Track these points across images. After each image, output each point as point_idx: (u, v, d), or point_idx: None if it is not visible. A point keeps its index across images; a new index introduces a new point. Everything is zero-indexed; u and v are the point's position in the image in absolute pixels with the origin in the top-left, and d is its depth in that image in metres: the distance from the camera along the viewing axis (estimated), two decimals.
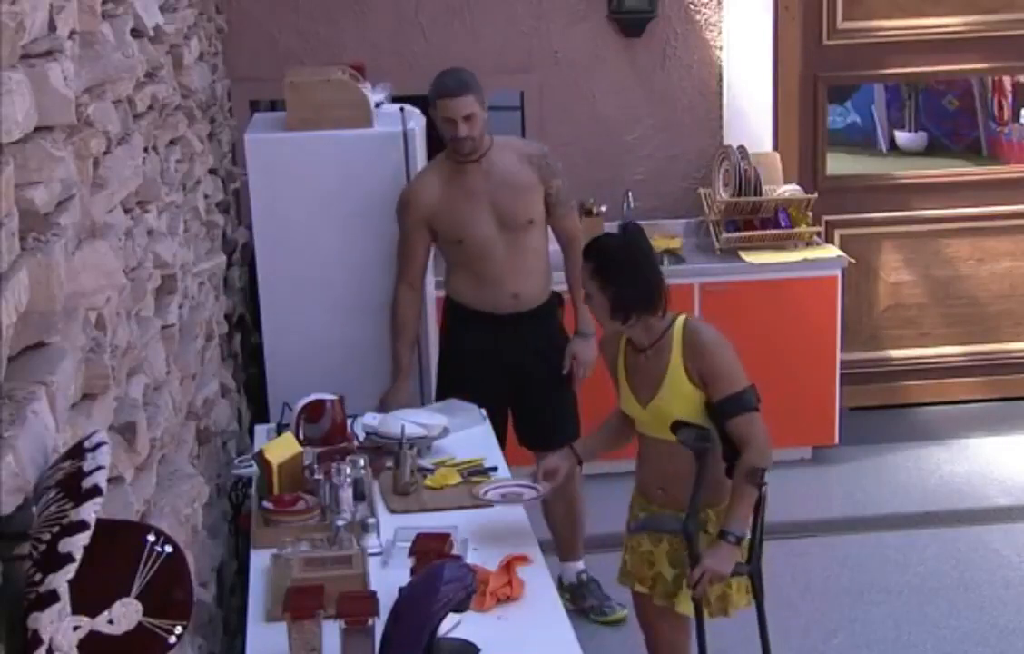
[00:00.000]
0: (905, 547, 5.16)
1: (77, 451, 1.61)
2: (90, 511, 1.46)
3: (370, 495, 3.50)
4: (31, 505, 1.51)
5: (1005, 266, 6.42)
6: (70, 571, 1.42)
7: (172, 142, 3.47)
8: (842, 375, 5.86)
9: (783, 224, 5.88)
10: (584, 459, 3.80)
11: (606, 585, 4.56)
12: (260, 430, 4.25)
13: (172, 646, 1.59)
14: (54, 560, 1.42)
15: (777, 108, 6.13)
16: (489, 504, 3.46)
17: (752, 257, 5.76)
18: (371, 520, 3.32)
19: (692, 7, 6.02)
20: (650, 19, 5.96)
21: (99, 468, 1.55)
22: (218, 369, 4.11)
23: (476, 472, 3.79)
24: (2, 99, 1.56)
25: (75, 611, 1.49)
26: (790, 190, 5.97)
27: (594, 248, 3.52)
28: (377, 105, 4.72)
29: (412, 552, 3.05)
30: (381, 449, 3.83)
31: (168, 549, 1.60)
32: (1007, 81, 8.06)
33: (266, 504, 3.43)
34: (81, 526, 1.44)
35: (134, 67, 2.59)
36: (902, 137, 8.82)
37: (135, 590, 1.55)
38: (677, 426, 3.42)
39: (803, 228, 5.89)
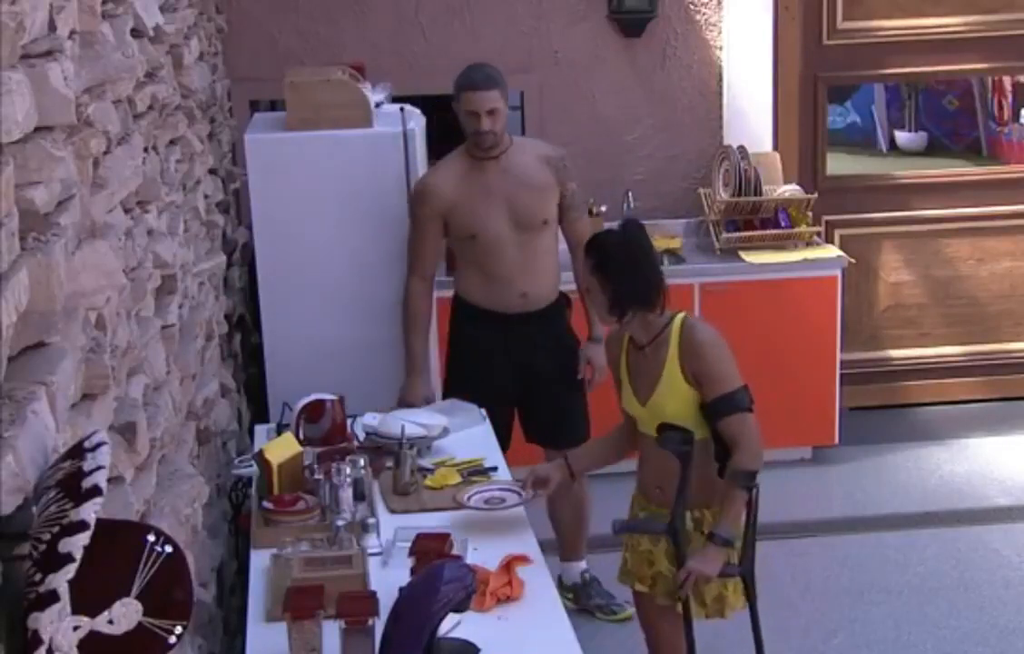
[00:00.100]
0: (905, 547, 5.16)
1: (77, 451, 1.61)
2: (90, 511, 1.46)
3: (370, 495, 3.50)
4: (31, 505, 1.51)
5: (1005, 266, 6.42)
6: (70, 571, 1.42)
7: (172, 142, 3.47)
8: (842, 375, 5.86)
9: (783, 224, 5.88)
10: (578, 472, 3.79)
11: (606, 584, 4.57)
12: (260, 430, 4.24)
13: (172, 646, 1.59)
14: (54, 560, 1.42)
15: (777, 108, 6.13)
16: (473, 510, 3.44)
17: (752, 257, 5.76)
18: (371, 520, 3.32)
19: (692, 7, 6.02)
20: (650, 19, 5.96)
21: (99, 468, 1.55)
22: (218, 369, 4.11)
23: (476, 472, 3.79)
24: (2, 99, 1.56)
25: (75, 611, 1.49)
26: (790, 190, 5.97)
27: (594, 244, 3.55)
28: (377, 105, 4.72)
29: (412, 552, 3.05)
30: (381, 449, 3.83)
31: (168, 549, 1.60)
32: (1007, 81, 8.06)
33: (266, 504, 3.43)
34: (81, 526, 1.44)
35: (134, 67, 2.59)
36: (902, 137, 8.82)
37: (135, 590, 1.55)
38: (660, 430, 3.44)
39: (803, 228, 5.89)
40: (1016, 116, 7.95)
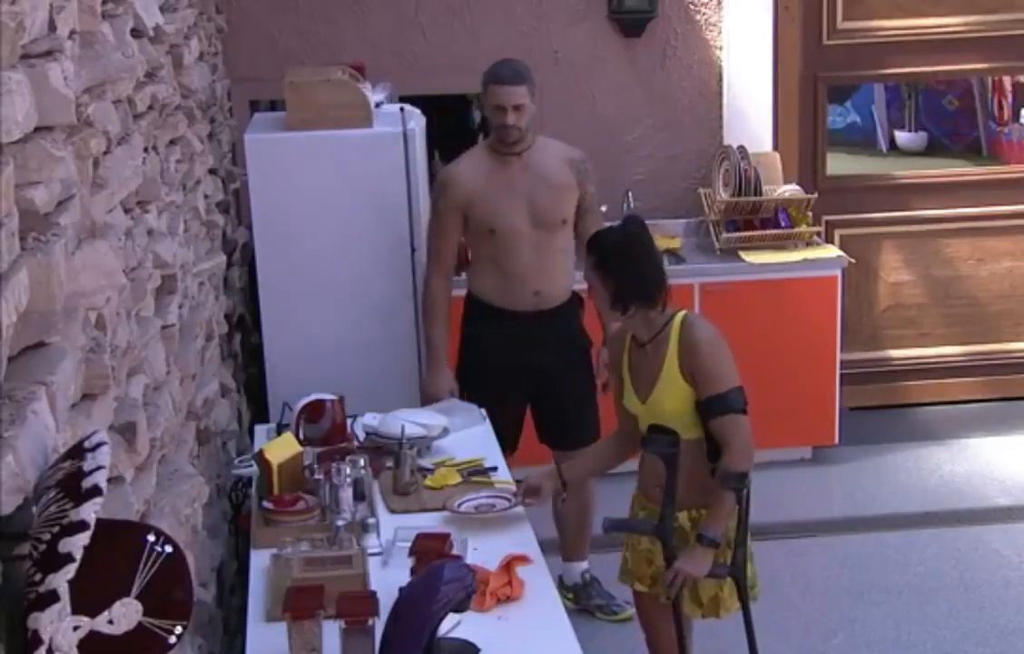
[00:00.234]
0: (905, 547, 5.16)
1: (77, 451, 1.61)
2: (90, 511, 1.46)
3: (370, 495, 3.50)
4: (31, 505, 1.51)
5: (1005, 266, 6.42)
6: (70, 571, 1.42)
7: (172, 142, 3.47)
8: (842, 375, 5.86)
9: (783, 224, 5.88)
10: (570, 481, 3.79)
11: (607, 584, 4.57)
12: (260, 430, 4.24)
13: (172, 646, 1.59)
14: (54, 560, 1.42)
15: (777, 108, 6.13)
16: (462, 517, 3.43)
17: (752, 257, 5.76)
18: (371, 520, 3.32)
19: (692, 7, 6.02)
20: (650, 19, 5.96)
21: (99, 468, 1.55)
22: (218, 369, 4.11)
23: (476, 472, 3.79)
24: (2, 99, 1.56)
25: (75, 611, 1.49)
26: (790, 190, 5.97)
27: (596, 241, 3.57)
28: (377, 105, 4.72)
29: (412, 552, 3.05)
30: (381, 449, 3.83)
31: (168, 549, 1.60)
32: (1007, 81, 8.06)
33: (266, 504, 3.43)
34: (81, 526, 1.44)
35: (134, 67, 2.59)
36: (902, 137, 8.82)
37: (135, 590, 1.55)
38: (648, 431, 3.46)
39: (803, 228, 5.89)
40: (1016, 116, 7.95)
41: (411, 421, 3.90)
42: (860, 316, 6.33)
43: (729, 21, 6.02)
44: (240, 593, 3.57)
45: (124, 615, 1.54)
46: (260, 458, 3.56)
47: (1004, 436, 6.11)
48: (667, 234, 5.88)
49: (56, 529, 1.45)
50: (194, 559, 2.68)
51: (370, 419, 4.02)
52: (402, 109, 4.67)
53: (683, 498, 3.44)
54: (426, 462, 3.83)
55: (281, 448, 3.60)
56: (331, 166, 4.58)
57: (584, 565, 4.72)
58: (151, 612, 1.56)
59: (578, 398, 4.52)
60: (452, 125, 6.42)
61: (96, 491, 1.50)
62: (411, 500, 3.59)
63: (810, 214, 5.94)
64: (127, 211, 2.56)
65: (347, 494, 3.35)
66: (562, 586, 4.58)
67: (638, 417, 3.57)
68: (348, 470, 3.39)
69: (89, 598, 1.51)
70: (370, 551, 3.14)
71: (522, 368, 4.45)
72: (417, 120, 4.79)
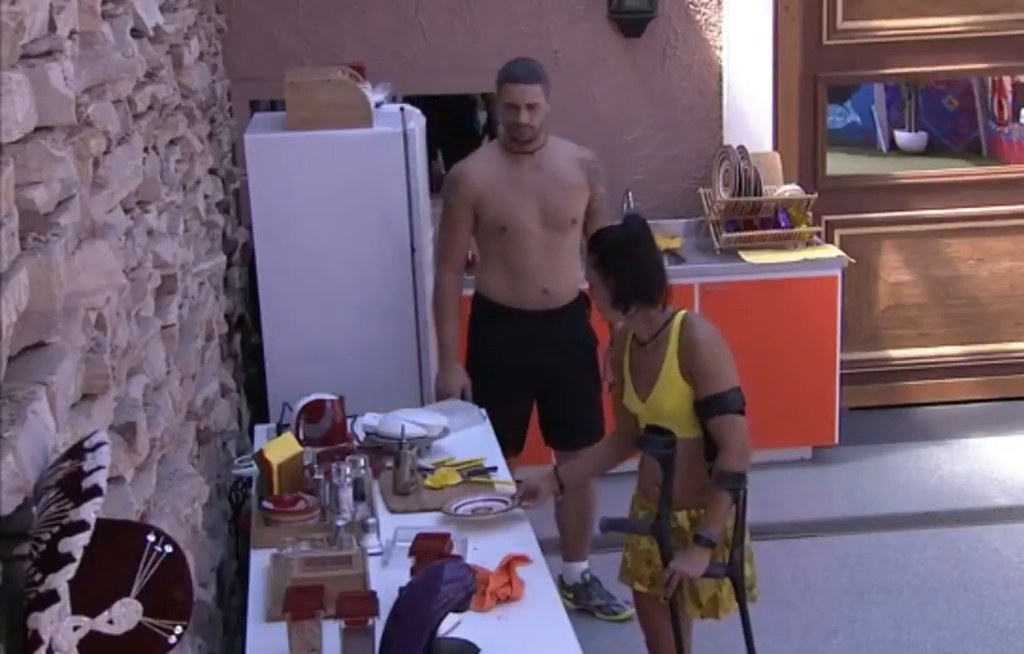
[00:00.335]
0: (905, 547, 5.16)
1: (77, 451, 1.61)
2: (90, 511, 1.46)
3: (370, 495, 3.50)
4: (31, 505, 1.51)
5: (1005, 266, 6.42)
6: (70, 571, 1.42)
7: (172, 142, 3.47)
8: (842, 375, 5.86)
9: (783, 224, 5.88)
10: (568, 484, 3.79)
11: (607, 584, 4.57)
12: (260, 430, 4.25)
13: (172, 646, 1.59)
14: (54, 560, 1.42)
15: (777, 108, 6.13)
16: (460, 520, 3.42)
17: (752, 257, 5.76)
18: (371, 520, 3.32)
19: (692, 7, 6.02)
20: (650, 19, 5.96)
21: (99, 468, 1.55)
22: (218, 369, 4.11)
23: (476, 472, 3.79)
24: (2, 99, 1.56)
25: (75, 611, 1.49)
26: (790, 190, 5.97)
27: (597, 239, 3.57)
28: (377, 105, 4.72)
29: (412, 552, 3.05)
30: (381, 449, 3.83)
31: (168, 549, 1.60)
32: (1007, 81, 8.06)
33: (266, 504, 3.43)
34: (81, 526, 1.44)
35: (134, 67, 2.59)
36: (902, 137, 8.82)
37: (135, 590, 1.55)
38: (643, 433, 3.47)
39: (803, 228, 5.89)
40: (1016, 116, 7.95)
41: (411, 421, 3.90)
42: (860, 316, 6.33)
43: (729, 21, 6.02)
44: (240, 593, 3.57)
45: (124, 615, 1.54)
46: (260, 458, 3.56)
47: (1004, 436, 6.12)
48: (667, 234, 5.88)
49: (56, 529, 1.44)
50: (194, 559, 2.68)
51: (370, 419, 4.02)
52: (402, 109, 4.67)
53: (682, 498, 3.44)
54: (426, 462, 3.83)
55: (281, 448, 3.60)
56: (331, 166, 4.57)
57: (584, 565, 4.72)
58: (151, 612, 1.56)
59: (584, 398, 4.52)
60: (455, 125, 6.43)
61: (96, 491, 1.50)
62: (411, 500, 3.59)
63: (810, 214, 5.94)
64: (127, 211, 2.56)
65: (347, 494, 3.35)
66: (562, 586, 4.58)
67: (638, 416, 3.57)
68: (348, 470, 3.39)
69: (89, 598, 1.51)
70: (370, 551, 3.14)
71: (529, 367, 4.45)
72: (417, 120, 4.79)
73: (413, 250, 4.62)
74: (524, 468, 4.30)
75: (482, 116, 6.66)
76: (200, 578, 3.02)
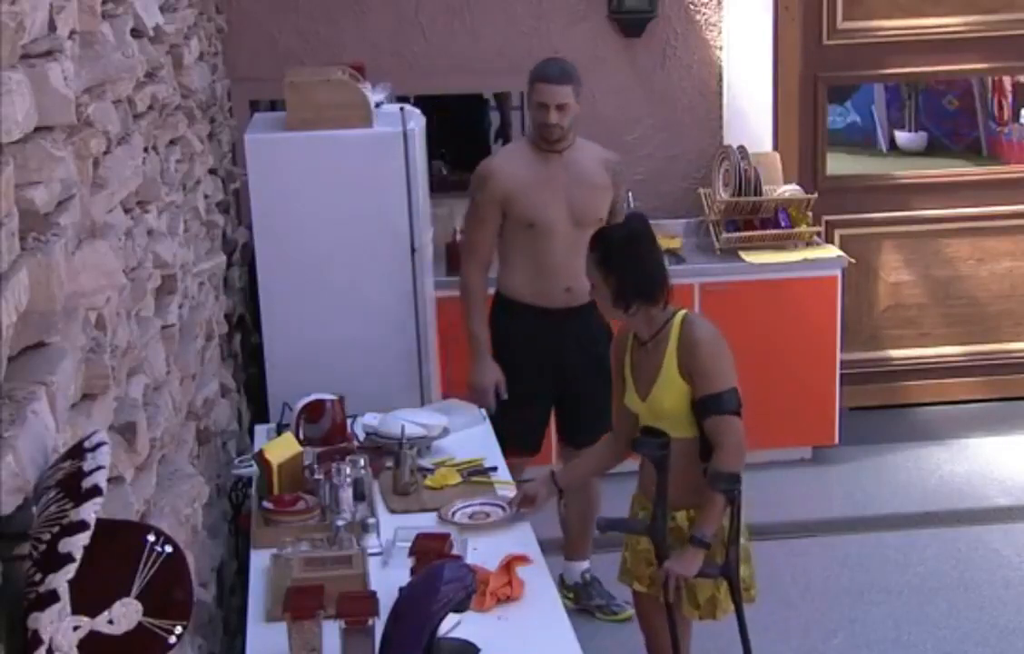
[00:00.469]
0: (905, 547, 5.16)
1: (77, 451, 1.61)
2: (90, 511, 1.46)
3: (370, 495, 3.50)
4: (31, 505, 1.51)
5: (1005, 266, 6.42)
6: (70, 571, 1.42)
7: (172, 142, 3.47)
8: (842, 375, 5.86)
9: (783, 224, 5.88)
10: (565, 488, 3.80)
11: (607, 584, 4.57)
12: (260, 430, 4.25)
13: (172, 646, 1.59)
14: (54, 560, 1.42)
15: (777, 108, 6.13)
16: (457, 526, 3.40)
17: (752, 257, 5.76)
18: (371, 520, 3.32)
19: (692, 7, 6.02)
20: (650, 19, 5.96)
21: (99, 468, 1.55)
22: (218, 369, 4.11)
23: (476, 472, 3.79)
24: (2, 99, 1.56)
25: (75, 611, 1.49)
26: (790, 190, 5.97)
27: (599, 238, 3.57)
28: (377, 105, 4.72)
29: (412, 552, 3.05)
30: (381, 449, 3.83)
31: (168, 549, 1.60)
32: (1007, 81, 8.07)
33: (266, 504, 3.43)
34: (81, 526, 1.44)
35: (134, 67, 2.59)
36: (902, 137, 8.83)
37: (135, 590, 1.55)
38: (639, 434, 3.47)
39: (803, 228, 5.89)
40: (1016, 116, 7.95)
41: (411, 421, 3.91)
42: (860, 316, 6.33)
43: (729, 21, 6.02)
44: (240, 593, 3.57)
45: (124, 615, 1.54)
46: (260, 458, 3.56)
47: (1004, 436, 6.12)
48: (667, 234, 5.88)
49: (56, 529, 1.44)
50: (194, 559, 2.68)
51: (370, 419, 4.02)
52: (402, 109, 4.67)
53: (681, 498, 3.44)
54: (426, 462, 3.83)
55: (281, 448, 3.60)
56: (331, 166, 4.57)
57: (585, 565, 4.72)
58: (151, 612, 1.56)
59: (601, 395, 4.52)
60: (457, 126, 6.42)
61: (96, 491, 1.50)
62: (411, 500, 3.60)
63: (810, 214, 5.94)
64: (127, 211, 2.56)
65: (347, 494, 3.35)
66: (562, 586, 4.59)
67: (639, 415, 3.57)
68: (348, 470, 3.39)
69: (89, 598, 1.51)
70: (370, 551, 3.14)
71: (551, 365, 4.48)
72: (417, 120, 4.78)
73: (413, 250, 4.62)
74: (532, 468, 4.31)
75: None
76: (200, 578, 3.02)
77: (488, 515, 3.49)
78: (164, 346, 2.83)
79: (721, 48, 6.06)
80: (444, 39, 5.89)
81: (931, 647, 4.47)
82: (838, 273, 5.78)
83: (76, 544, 1.42)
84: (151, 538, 1.61)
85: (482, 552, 3.18)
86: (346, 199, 4.58)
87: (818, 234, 5.99)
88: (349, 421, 4.01)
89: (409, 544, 3.11)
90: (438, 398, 4.72)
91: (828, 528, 5.35)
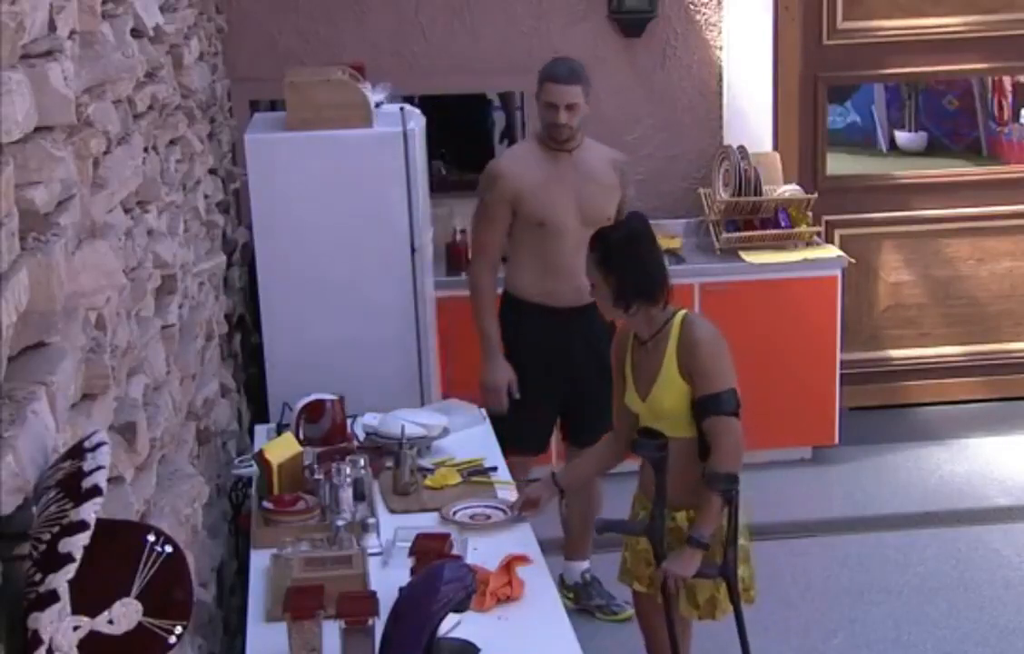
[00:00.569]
0: (905, 547, 5.16)
1: (77, 451, 1.61)
2: (90, 511, 1.46)
3: (370, 495, 3.50)
4: (31, 505, 1.51)
5: (1005, 266, 6.42)
6: (70, 571, 1.42)
7: (172, 142, 3.47)
8: (842, 375, 5.86)
9: (783, 224, 5.88)
10: (566, 489, 3.80)
11: (607, 584, 4.57)
12: (260, 430, 4.25)
13: (172, 646, 1.59)
14: (54, 560, 1.42)
15: (777, 108, 6.13)
16: (457, 526, 3.41)
17: (752, 257, 5.76)
18: (371, 520, 3.32)
19: (692, 7, 6.02)
20: (650, 19, 5.96)
21: (99, 468, 1.55)
22: (218, 369, 4.11)
23: (476, 472, 3.79)
24: (2, 99, 1.56)
25: (75, 611, 1.49)
26: (790, 190, 5.97)
27: (599, 238, 3.57)
28: (377, 105, 4.72)
29: (412, 552, 3.05)
30: (381, 449, 3.83)
31: (168, 549, 1.60)
32: (1007, 81, 8.07)
33: (266, 504, 3.43)
34: (81, 526, 1.44)
35: (134, 67, 2.59)
36: (902, 137, 8.83)
37: (135, 590, 1.55)
38: (637, 437, 3.48)
39: (803, 228, 5.89)
40: (1016, 116, 7.95)
41: (411, 421, 3.91)
42: (860, 316, 6.33)
43: (729, 21, 6.02)
44: (240, 593, 3.57)
45: (124, 615, 1.54)
46: (260, 458, 3.56)
47: (1004, 436, 6.12)
48: (667, 234, 5.88)
49: (56, 529, 1.44)
50: (194, 559, 2.68)
51: (370, 419, 4.02)
52: (402, 109, 4.67)
53: (681, 498, 3.44)
54: (426, 462, 3.83)
55: (281, 448, 3.60)
56: (331, 166, 4.57)
57: (585, 564, 4.72)
58: (151, 612, 1.56)
59: (607, 396, 4.52)
60: (457, 126, 6.42)
61: (96, 491, 1.50)
62: (411, 500, 3.60)
63: (810, 214, 5.94)
64: (127, 211, 2.56)
65: (347, 494, 3.35)
66: (563, 585, 4.59)
67: (639, 415, 3.57)
68: (348, 470, 3.39)
69: (89, 598, 1.51)
70: (370, 551, 3.14)
71: (558, 363, 4.47)
72: (417, 120, 4.79)
73: (413, 250, 4.62)
74: (538, 468, 4.31)
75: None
76: (200, 578, 3.02)
77: (489, 516, 3.49)
78: (164, 346, 2.83)
79: (721, 48, 6.06)
80: (444, 39, 5.89)
81: (931, 647, 4.47)
82: (838, 273, 5.78)
83: (76, 544, 1.42)
84: (151, 538, 1.61)
85: (482, 552, 3.18)
86: (346, 199, 4.58)
87: (818, 234, 5.99)
88: (349, 421, 4.01)
89: (409, 544, 3.11)
90: (438, 398, 4.72)
91: (828, 528, 5.35)
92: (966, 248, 6.40)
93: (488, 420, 4.22)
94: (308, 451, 3.67)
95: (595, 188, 4.45)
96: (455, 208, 5.72)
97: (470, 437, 4.09)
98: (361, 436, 3.97)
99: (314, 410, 3.92)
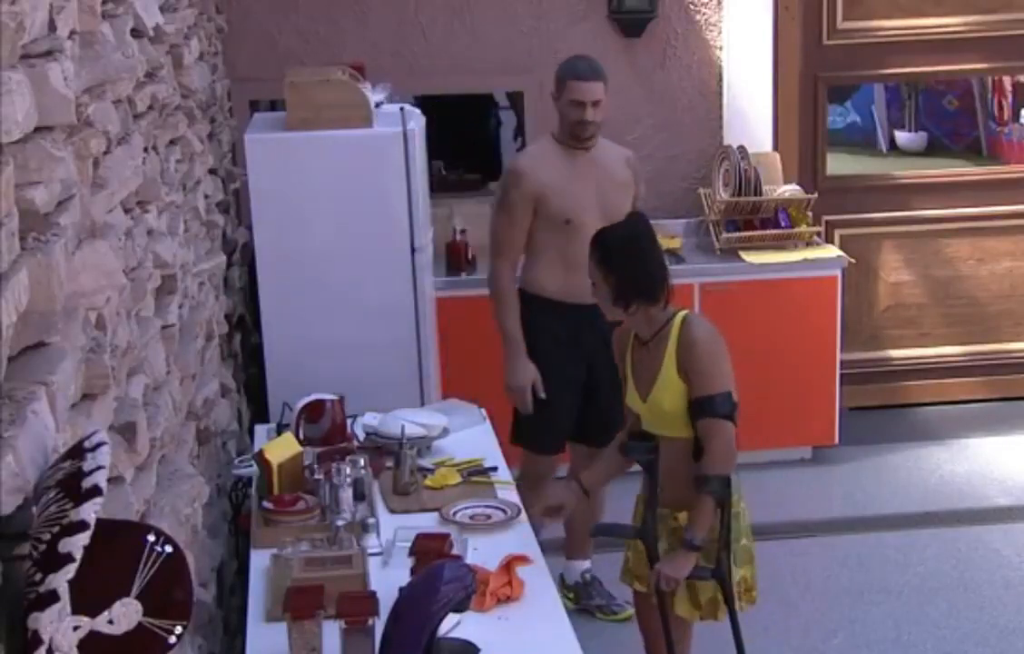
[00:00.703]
0: (905, 547, 5.16)
1: (77, 451, 1.61)
2: (90, 511, 1.46)
3: (370, 495, 3.50)
4: (31, 505, 1.51)
5: (1005, 266, 6.42)
6: (70, 571, 1.42)
7: (172, 142, 3.47)
8: (842, 375, 5.86)
9: (783, 224, 5.88)
10: (591, 491, 3.80)
11: (607, 584, 4.57)
12: (260, 430, 4.25)
13: (172, 646, 1.59)
14: (54, 560, 1.42)
15: (777, 108, 6.13)
16: (457, 526, 3.40)
17: (752, 257, 5.76)
18: (371, 520, 3.32)
19: (692, 7, 6.02)
20: (650, 19, 5.96)
21: (99, 468, 1.55)
22: (218, 369, 4.11)
23: (476, 472, 3.79)
24: (2, 99, 1.56)
25: (75, 611, 1.49)
26: (790, 190, 5.97)
27: (600, 237, 3.57)
28: (377, 105, 4.72)
29: (412, 552, 3.05)
30: (381, 449, 3.83)
31: (168, 549, 1.60)
32: (1007, 81, 8.07)
33: (266, 504, 3.43)
34: (81, 526, 1.44)
35: (134, 67, 2.59)
36: (902, 137, 8.83)
37: (135, 590, 1.55)
38: (627, 440, 3.49)
39: (803, 228, 5.89)
40: (1016, 116, 7.95)
41: (411, 421, 3.90)
42: (860, 316, 6.33)
43: (729, 21, 6.02)
44: (240, 593, 3.57)
45: (124, 615, 1.54)
46: (260, 458, 3.56)
47: (1004, 436, 6.12)
48: (667, 234, 5.87)
49: (56, 529, 1.44)
50: (194, 559, 2.68)
51: (370, 419, 4.02)
52: (402, 109, 4.67)
53: (681, 498, 3.44)
54: (426, 462, 3.83)
55: (281, 448, 3.60)
56: (331, 166, 4.57)
57: (586, 564, 4.72)
58: (151, 612, 1.56)
59: (618, 394, 4.53)
60: (461, 126, 6.42)
61: (96, 491, 1.50)
62: (411, 500, 3.59)
63: (810, 214, 5.94)
64: (127, 211, 2.56)
65: (347, 494, 3.35)
66: (563, 585, 4.59)
67: (640, 416, 3.57)
68: (348, 470, 3.39)
69: (89, 598, 1.51)
70: (370, 551, 3.14)
71: (577, 360, 4.47)
72: (417, 120, 4.79)
73: (413, 250, 4.62)
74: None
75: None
76: (200, 578, 3.02)
77: (489, 516, 3.49)
78: (164, 346, 2.83)
79: (721, 48, 6.06)
80: (444, 39, 5.89)
81: (931, 647, 4.47)
82: (838, 273, 5.78)
83: (76, 544, 1.42)
84: (151, 538, 1.61)
85: (482, 552, 3.18)
86: (346, 199, 4.58)
87: (818, 234, 5.99)
88: (349, 421, 4.01)
89: (409, 544, 3.11)
90: (438, 398, 4.72)
91: (828, 528, 5.35)
92: (966, 248, 6.40)
93: (488, 420, 4.22)
94: (308, 451, 3.67)
95: (614, 185, 4.47)
96: (455, 208, 5.72)
97: (470, 437, 4.08)
98: (361, 436, 3.97)
99: (314, 410, 3.92)
